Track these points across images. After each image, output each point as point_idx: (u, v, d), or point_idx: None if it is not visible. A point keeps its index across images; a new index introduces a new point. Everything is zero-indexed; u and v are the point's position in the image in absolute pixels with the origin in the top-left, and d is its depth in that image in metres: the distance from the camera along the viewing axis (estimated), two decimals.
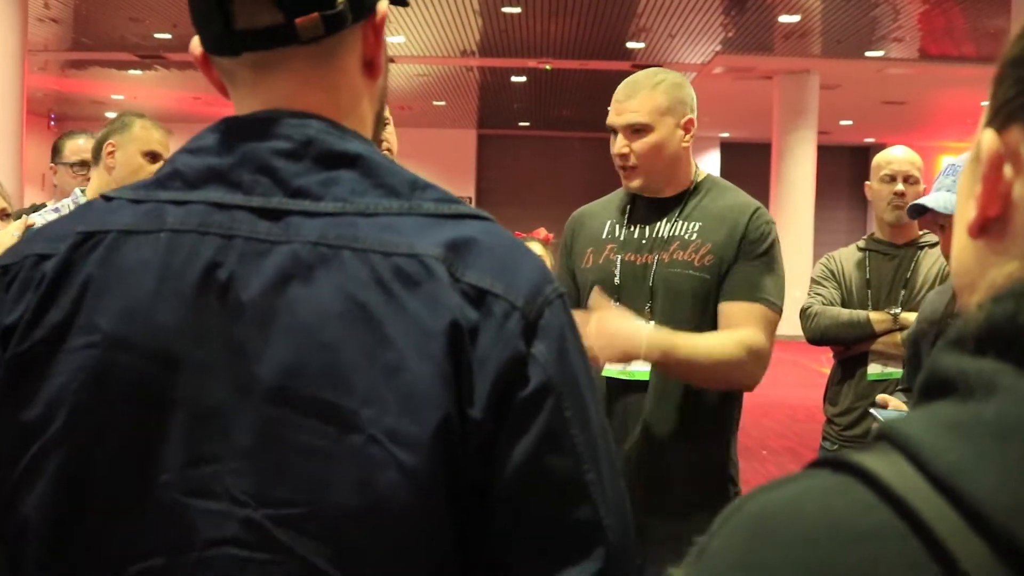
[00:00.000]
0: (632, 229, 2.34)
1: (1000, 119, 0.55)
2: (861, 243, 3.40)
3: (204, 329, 0.83)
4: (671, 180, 2.33)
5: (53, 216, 2.84)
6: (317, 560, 0.80)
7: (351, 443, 0.80)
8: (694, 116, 2.33)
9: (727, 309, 2.25)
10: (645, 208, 2.36)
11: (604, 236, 2.37)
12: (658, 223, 2.32)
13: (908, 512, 0.45)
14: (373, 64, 0.94)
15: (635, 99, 2.28)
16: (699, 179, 2.36)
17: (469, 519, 0.83)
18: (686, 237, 2.27)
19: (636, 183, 2.30)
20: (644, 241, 2.31)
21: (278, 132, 0.86)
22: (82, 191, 2.96)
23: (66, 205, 2.93)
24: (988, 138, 0.55)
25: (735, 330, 2.20)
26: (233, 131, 0.88)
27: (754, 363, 2.19)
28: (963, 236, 0.58)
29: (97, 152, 2.94)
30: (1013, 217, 0.54)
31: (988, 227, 0.56)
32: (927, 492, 0.46)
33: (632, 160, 2.28)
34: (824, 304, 3.30)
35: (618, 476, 0.88)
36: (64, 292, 0.85)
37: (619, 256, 2.32)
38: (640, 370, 2.25)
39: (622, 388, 2.29)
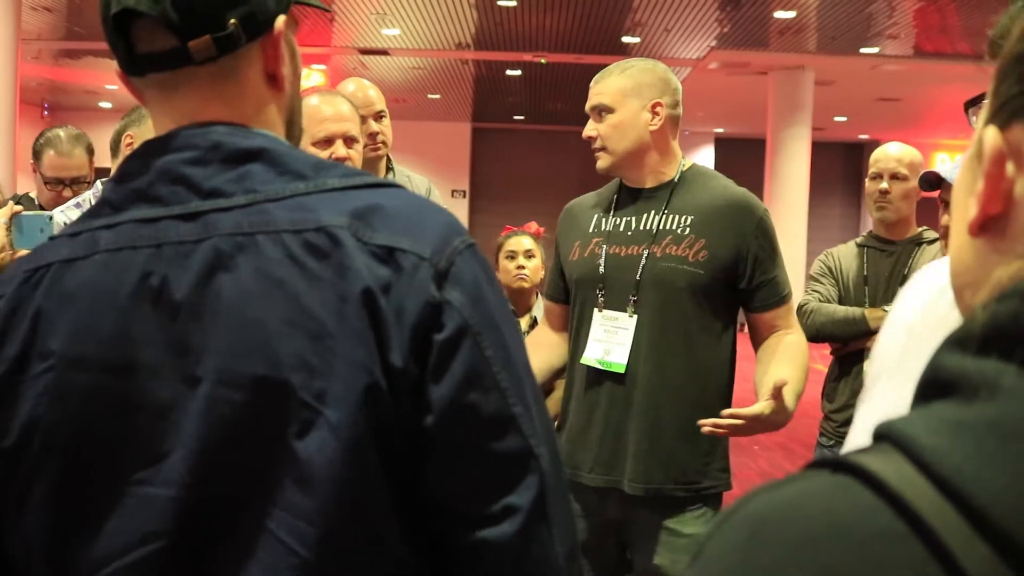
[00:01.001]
0: (619, 221, 2.37)
1: (1003, 116, 0.55)
2: (860, 239, 3.39)
3: (146, 333, 0.89)
4: (644, 166, 2.36)
5: (75, 212, 2.85)
6: (274, 528, 0.86)
7: (286, 410, 0.85)
8: (665, 100, 2.34)
9: (764, 319, 2.35)
10: (630, 199, 2.40)
11: (591, 229, 2.41)
12: (644, 215, 2.35)
13: (910, 514, 0.45)
14: (275, 77, 0.99)
15: (601, 83, 2.38)
16: (684, 168, 2.38)
17: (405, 469, 0.88)
18: (678, 232, 2.28)
19: (602, 163, 2.38)
20: (630, 233, 2.33)
21: (186, 143, 0.93)
22: (103, 183, 2.95)
23: (87, 199, 2.93)
24: (991, 135, 0.55)
25: (784, 334, 2.33)
26: (149, 152, 0.95)
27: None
28: (962, 234, 0.57)
29: (116, 144, 2.95)
30: (1015, 215, 0.54)
31: (989, 225, 0.55)
32: (930, 494, 0.45)
33: (598, 142, 2.36)
34: (821, 301, 3.30)
35: (544, 410, 0.93)
36: (17, 326, 0.91)
37: (604, 248, 2.33)
38: (617, 362, 2.26)
39: (600, 377, 2.30)
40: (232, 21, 0.93)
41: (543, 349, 2.53)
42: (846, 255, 3.37)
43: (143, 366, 0.89)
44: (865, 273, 3.28)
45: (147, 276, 0.90)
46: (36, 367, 0.90)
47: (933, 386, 0.51)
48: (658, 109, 2.34)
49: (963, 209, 0.57)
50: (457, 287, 0.89)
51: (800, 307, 3.32)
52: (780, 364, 2.24)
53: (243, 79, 0.97)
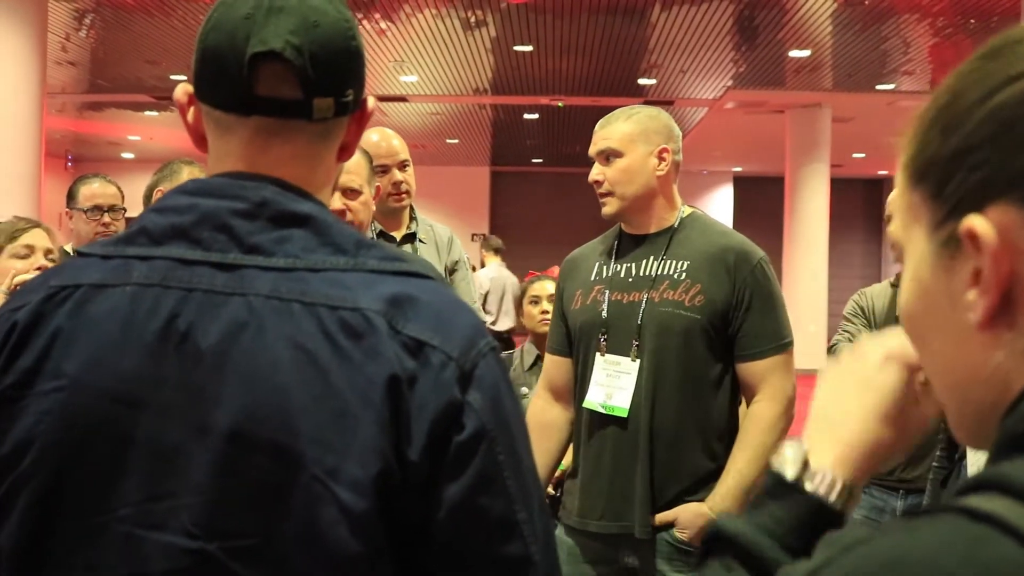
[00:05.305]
0: (619, 268, 2.39)
1: (972, 203, 0.56)
2: (893, 279, 3.38)
3: (164, 374, 0.89)
4: (650, 212, 2.38)
5: None
6: None
7: (296, 480, 0.86)
8: (671, 147, 2.38)
9: (752, 368, 2.29)
10: (631, 246, 2.42)
11: (592, 277, 2.43)
12: (644, 261, 2.37)
13: None
14: (347, 150, 1.03)
15: (607, 128, 2.40)
16: (684, 215, 2.40)
17: (410, 557, 0.89)
18: (675, 276, 2.30)
19: (609, 209, 2.38)
20: (631, 279, 2.34)
21: (236, 194, 0.94)
22: None
23: None
24: (979, 224, 0.55)
25: (756, 404, 2.28)
26: (196, 192, 0.96)
27: (790, 412, 2.30)
28: (954, 342, 0.58)
29: (148, 199, 3.01)
30: (1020, 295, 0.54)
31: (996, 315, 0.55)
32: None
33: (605, 186, 2.36)
34: (851, 341, 3.29)
35: (546, 514, 0.96)
36: (34, 340, 0.92)
37: (607, 294, 2.34)
38: (619, 406, 2.26)
39: (604, 421, 2.31)
40: (349, 91, 0.97)
41: (544, 434, 2.47)
42: (879, 295, 3.36)
43: (154, 405, 0.89)
44: (897, 313, 3.27)
45: (174, 318, 0.90)
46: (45, 384, 0.90)
47: (1018, 441, 0.53)
48: (664, 155, 2.37)
49: (947, 316, 0.58)
50: (479, 389, 0.90)
51: (831, 347, 3.32)
52: (732, 459, 2.28)
53: (329, 145, 1.00)
